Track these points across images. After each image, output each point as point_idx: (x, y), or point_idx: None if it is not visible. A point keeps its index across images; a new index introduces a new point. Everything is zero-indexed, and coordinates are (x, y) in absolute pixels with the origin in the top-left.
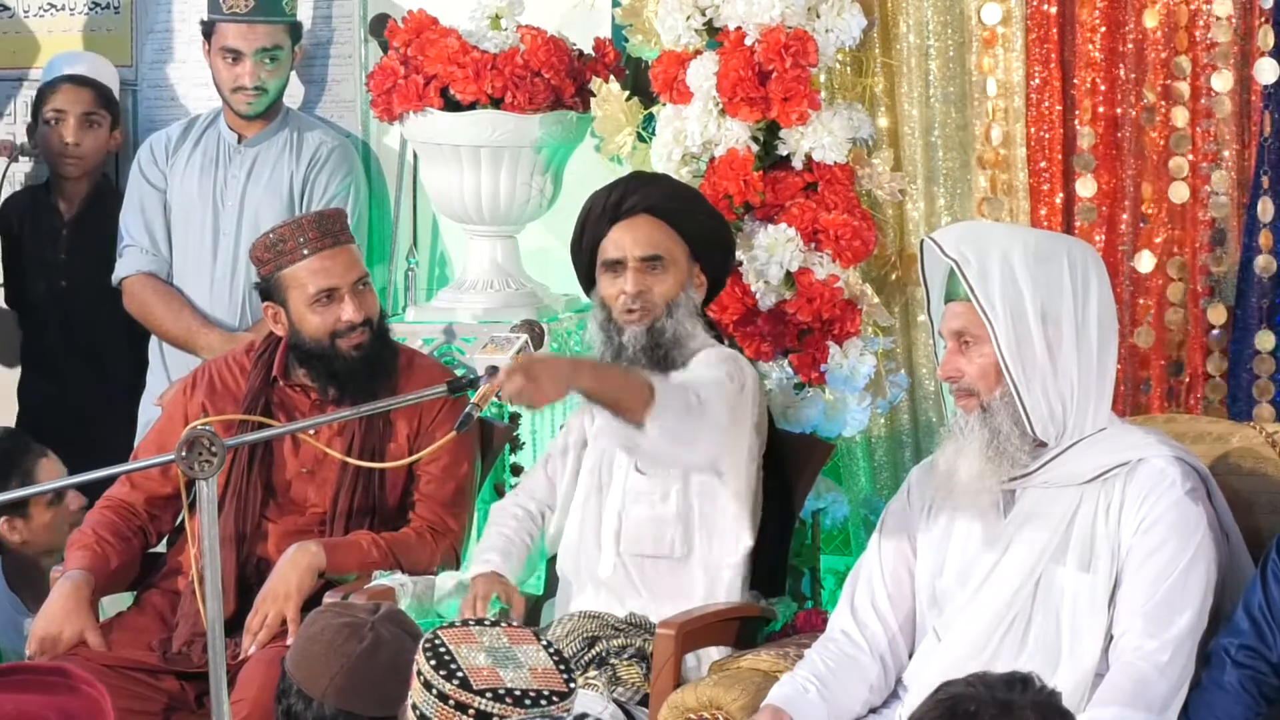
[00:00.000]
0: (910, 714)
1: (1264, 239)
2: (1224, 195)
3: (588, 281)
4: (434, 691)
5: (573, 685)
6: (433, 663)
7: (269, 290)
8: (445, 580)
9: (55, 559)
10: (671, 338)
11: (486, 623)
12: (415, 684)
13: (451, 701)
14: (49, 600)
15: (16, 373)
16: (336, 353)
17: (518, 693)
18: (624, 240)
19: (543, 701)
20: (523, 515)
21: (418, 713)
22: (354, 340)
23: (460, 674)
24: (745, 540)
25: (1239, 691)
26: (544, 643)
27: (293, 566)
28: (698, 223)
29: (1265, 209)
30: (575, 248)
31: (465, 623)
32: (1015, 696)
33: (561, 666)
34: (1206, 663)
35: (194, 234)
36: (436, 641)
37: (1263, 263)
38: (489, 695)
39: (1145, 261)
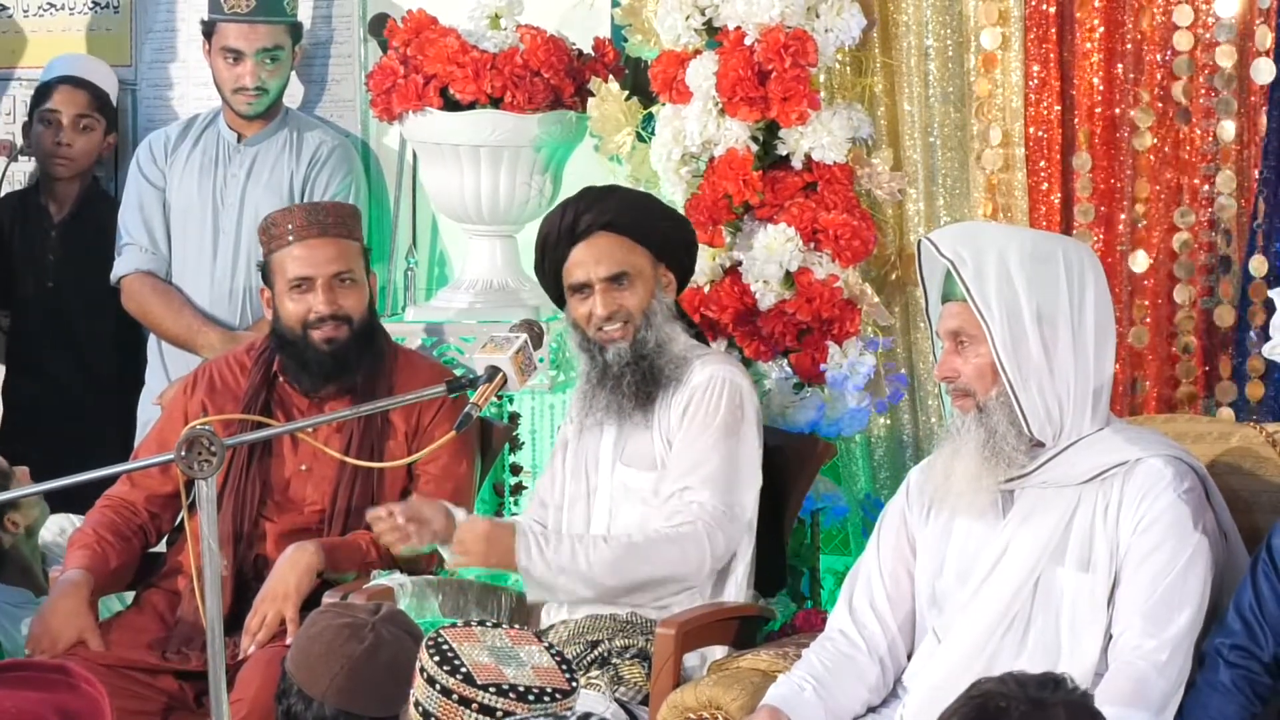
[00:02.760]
0: (942, 711)
1: (1262, 239)
2: (1223, 195)
3: (558, 301)
4: (437, 687)
5: (575, 684)
6: (436, 659)
7: (265, 273)
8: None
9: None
10: (655, 347)
11: (489, 624)
12: (418, 680)
13: (455, 696)
14: (48, 600)
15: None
16: (308, 343)
17: (520, 689)
18: (586, 261)
19: (545, 698)
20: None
21: (420, 709)
22: (326, 333)
23: (464, 669)
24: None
25: (1232, 691)
26: (545, 644)
27: (291, 567)
28: (656, 230)
29: (1264, 209)
30: (539, 271)
31: (468, 623)
32: (1047, 695)
33: (564, 666)
34: (1200, 663)
35: (193, 233)
36: (439, 639)
37: (1259, 262)
38: (492, 690)
39: (1143, 261)
